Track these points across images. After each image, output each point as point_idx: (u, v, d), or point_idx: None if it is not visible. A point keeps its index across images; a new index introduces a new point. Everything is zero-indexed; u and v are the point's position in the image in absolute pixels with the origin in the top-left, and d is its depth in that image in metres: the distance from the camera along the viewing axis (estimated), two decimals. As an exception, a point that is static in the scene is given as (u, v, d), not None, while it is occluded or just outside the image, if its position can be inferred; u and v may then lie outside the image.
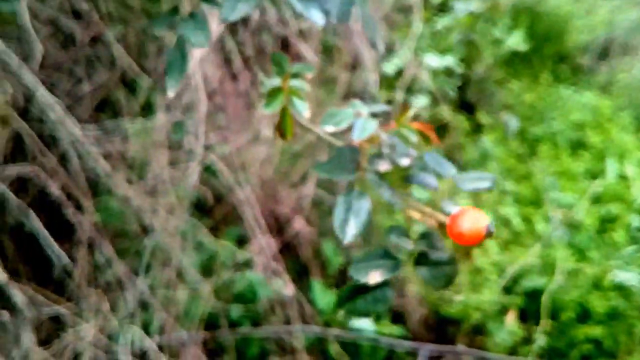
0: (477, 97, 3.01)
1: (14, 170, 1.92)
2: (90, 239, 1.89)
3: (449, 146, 2.83)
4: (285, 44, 2.06)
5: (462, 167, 2.80)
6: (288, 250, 2.23)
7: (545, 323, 2.27)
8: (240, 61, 2.02)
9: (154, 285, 1.86)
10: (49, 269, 1.98)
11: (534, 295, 2.37)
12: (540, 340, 2.23)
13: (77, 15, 1.90)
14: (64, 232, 1.98)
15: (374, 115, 0.88)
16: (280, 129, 0.90)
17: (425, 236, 0.85)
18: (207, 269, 2.00)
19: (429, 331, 2.35)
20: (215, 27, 1.70)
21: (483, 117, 2.97)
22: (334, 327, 2.16)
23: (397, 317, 2.34)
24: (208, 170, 1.95)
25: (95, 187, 1.91)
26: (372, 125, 0.82)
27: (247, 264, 2.05)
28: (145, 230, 1.89)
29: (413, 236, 0.85)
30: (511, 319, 2.35)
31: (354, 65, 2.43)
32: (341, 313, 2.23)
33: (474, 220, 0.77)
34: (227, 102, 1.94)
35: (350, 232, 0.78)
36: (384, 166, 0.84)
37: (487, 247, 2.43)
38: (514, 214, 2.54)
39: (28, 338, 1.45)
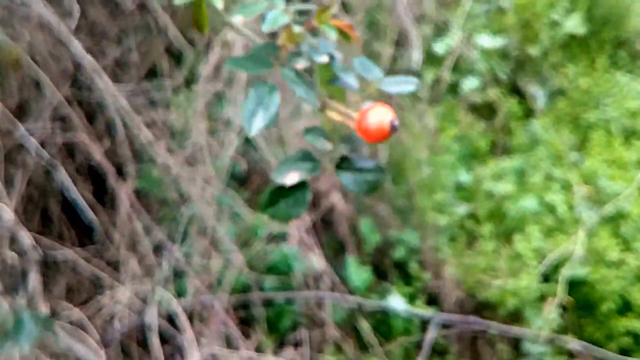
0: (530, 80, 2.87)
1: (61, 136, 1.92)
2: (130, 205, 1.88)
3: (498, 129, 2.72)
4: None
5: (510, 151, 2.69)
6: (326, 227, 2.18)
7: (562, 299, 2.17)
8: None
9: (189, 253, 1.84)
10: (92, 233, 1.98)
11: (574, 284, 2.26)
12: (554, 314, 2.13)
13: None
14: (109, 198, 1.98)
15: (300, 13, 0.84)
16: (196, 22, 0.88)
17: (347, 139, 0.83)
18: (241, 240, 1.97)
19: (464, 314, 2.26)
20: None
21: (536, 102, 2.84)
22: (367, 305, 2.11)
23: (433, 299, 2.26)
24: (247, 142, 1.91)
25: (138, 155, 1.90)
26: (284, 18, 0.79)
27: (281, 237, 2.01)
28: (183, 198, 1.87)
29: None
30: (550, 307, 2.24)
31: (399, 42, 2.34)
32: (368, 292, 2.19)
33: (379, 115, 0.75)
34: (269, 74, 1.89)
35: (258, 124, 0.75)
36: (301, 64, 0.80)
37: (528, 233, 2.33)
38: (560, 201, 2.42)
39: (34, 279, 1.44)
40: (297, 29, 0.81)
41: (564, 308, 2.27)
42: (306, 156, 0.80)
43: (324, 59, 0.81)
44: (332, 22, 0.82)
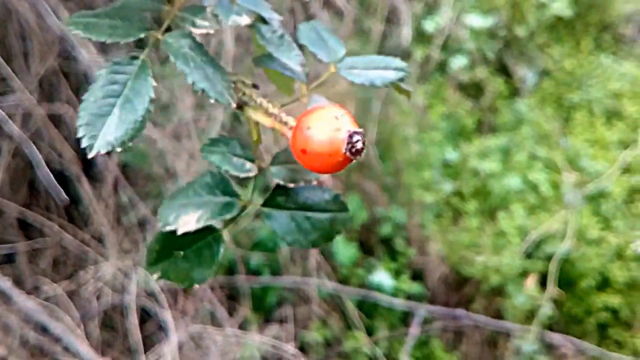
0: (517, 60, 2.68)
1: (46, 108, 1.73)
2: (115, 179, 1.70)
3: (484, 108, 2.53)
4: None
5: (495, 129, 2.51)
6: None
7: (553, 290, 2.01)
8: (276, 6, 1.76)
9: (174, 229, 1.66)
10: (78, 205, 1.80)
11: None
12: (547, 308, 1.97)
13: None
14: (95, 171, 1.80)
15: None
16: None
17: (282, 158, 0.50)
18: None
19: (448, 290, 2.11)
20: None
21: (521, 81, 2.65)
22: (353, 281, 1.94)
23: (417, 274, 2.10)
24: (234, 117, 1.72)
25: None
26: None
27: (269, 214, 1.83)
28: (169, 173, 1.68)
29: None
30: (531, 283, 2.09)
31: (390, 19, 2.14)
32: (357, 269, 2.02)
33: (328, 125, 0.39)
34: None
35: (109, 135, 0.41)
36: (201, 28, 0.46)
37: (512, 210, 2.16)
38: (543, 179, 2.25)
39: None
40: None
41: (543, 284, 2.13)
42: (217, 185, 0.47)
43: (241, 20, 0.47)
44: None
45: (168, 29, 0.45)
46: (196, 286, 1.43)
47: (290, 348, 1.71)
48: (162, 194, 1.66)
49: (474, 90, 2.55)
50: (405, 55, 2.18)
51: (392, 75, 0.50)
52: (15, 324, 1.43)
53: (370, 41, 1.96)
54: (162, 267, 0.46)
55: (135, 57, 0.44)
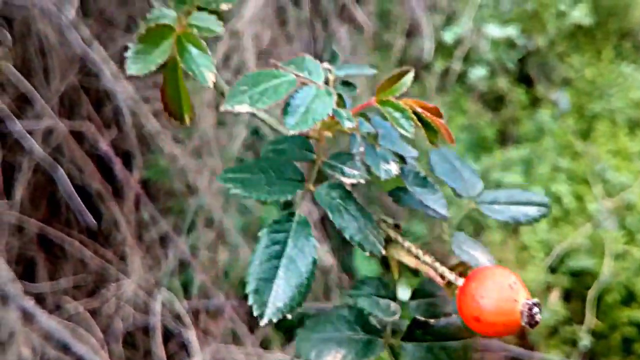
0: (536, 70, 2.67)
1: (67, 125, 1.74)
2: (137, 195, 1.70)
3: (505, 119, 2.52)
4: (341, 7, 1.79)
5: (517, 140, 2.49)
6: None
7: (590, 321, 1.98)
8: (296, 22, 1.77)
9: (195, 246, 1.67)
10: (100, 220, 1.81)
11: (579, 276, 2.08)
12: (586, 340, 1.95)
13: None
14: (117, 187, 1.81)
15: (345, 84, 0.48)
16: (170, 105, 0.47)
17: (423, 292, 0.50)
18: (249, 232, 1.79)
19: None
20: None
21: (541, 91, 2.63)
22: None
23: (439, 289, 2.09)
24: (255, 134, 1.72)
25: (145, 145, 1.72)
26: (327, 105, 0.40)
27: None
28: (190, 190, 1.69)
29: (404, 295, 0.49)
30: (555, 298, 2.07)
31: (410, 32, 2.13)
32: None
33: (503, 293, 0.39)
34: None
35: (275, 303, 0.40)
36: (351, 178, 0.45)
37: (535, 224, 2.15)
38: (566, 191, 2.24)
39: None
40: (347, 121, 0.41)
41: (567, 299, 2.11)
42: (356, 320, 0.45)
43: (392, 169, 0.44)
44: (405, 103, 0.43)
45: (317, 179, 0.43)
46: (220, 304, 1.41)
47: (312, 366, 1.71)
48: (184, 211, 1.66)
49: (494, 101, 2.54)
50: (425, 67, 2.17)
51: (534, 212, 0.52)
52: (37, 343, 1.44)
53: (391, 55, 1.95)
54: None
55: (292, 214, 0.42)
